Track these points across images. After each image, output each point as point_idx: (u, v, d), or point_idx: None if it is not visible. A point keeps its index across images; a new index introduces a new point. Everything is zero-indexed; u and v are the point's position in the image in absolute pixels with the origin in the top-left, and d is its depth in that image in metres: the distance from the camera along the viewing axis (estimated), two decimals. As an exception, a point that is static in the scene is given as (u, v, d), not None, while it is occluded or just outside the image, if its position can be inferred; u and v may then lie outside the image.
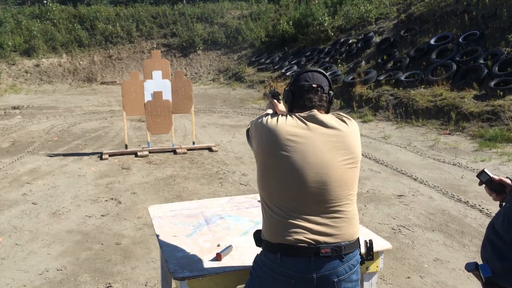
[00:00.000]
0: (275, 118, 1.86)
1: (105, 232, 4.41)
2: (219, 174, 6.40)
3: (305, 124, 1.84)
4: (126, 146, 7.68)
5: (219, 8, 22.45)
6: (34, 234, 4.37)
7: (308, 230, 1.75)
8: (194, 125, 8.17)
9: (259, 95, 14.74)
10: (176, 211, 2.76)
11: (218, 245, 2.25)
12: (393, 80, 11.33)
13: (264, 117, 1.90)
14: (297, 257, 1.74)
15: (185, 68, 20.08)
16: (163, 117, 7.65)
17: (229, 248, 2.16)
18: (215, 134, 9.23)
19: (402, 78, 11.18)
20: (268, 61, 18.04)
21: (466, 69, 10.14)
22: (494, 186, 1.75)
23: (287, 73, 15.44)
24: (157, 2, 25.96)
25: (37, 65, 19.37)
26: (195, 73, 19.91)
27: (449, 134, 8.53)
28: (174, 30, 21.59)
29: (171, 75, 7.80)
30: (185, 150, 7.71)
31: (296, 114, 1.88)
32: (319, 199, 1.77)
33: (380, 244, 2.30)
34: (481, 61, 9.99)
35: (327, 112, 1.95)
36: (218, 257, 2.07)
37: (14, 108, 12.73)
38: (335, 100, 12.19)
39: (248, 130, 2.03)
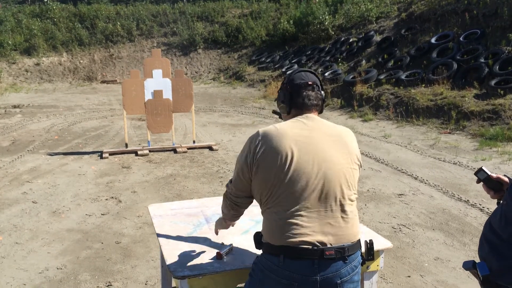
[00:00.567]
0: (272, 126, 1.86)
1: (105, 231, 4.41)
2: (219, 173, 6.40)
3: (306, 125, 1.86)
4: (126, 145, 7.68)
5: (220, 7, 22.42)
6: (34, 232, 4.37)
7: (312, 231, 1.73)
8: (194, 124, 8.16)
9: (259, 94, 14.73)
10: (176, 210, 2.75)
11: (222, 244, 2.25)
12: (394, 79, 11.32)
13: (260, 130, 1.88)
14: (301, 259, 1.71)
15: (186, 67, 20.07)
16: (163, 116, 7.64)
17: (229, 246, 2.16)
18: (215, 133, 9.23)
19: (403, 77, 11.16)
20: (268, 60, 18.02)
21: (466, 68, 10.13)
22: (492, 184, 1.75)
23: (288, 72, 15.40)
24: (157, 0, 25.92)
25: (38, 64, 19.36)
26: (196, 72, 19.90)
27: (449, 133, 8.52)
28: (175, 29, 21.57)
29: (172, 74, 7.79)
30: (185, 149, 7.71)
31: (295, 118, 1.91)
32: (322, 198, 1.76)
33: (380, 243, 2.30)
34: (482, 60, 9.97)
35: (320, 112, 1.99)
36: (218, 256, 2.07)
37: (15, 107, 12.73)
38: (335, 99, 12.19)
39: (227, 186, 2.03)
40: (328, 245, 1.73)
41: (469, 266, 1.62)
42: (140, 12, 22.10)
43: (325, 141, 1.83)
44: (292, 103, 1.95)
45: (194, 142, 7.99)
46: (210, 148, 7.85)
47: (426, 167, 6.48)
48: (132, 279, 3.49)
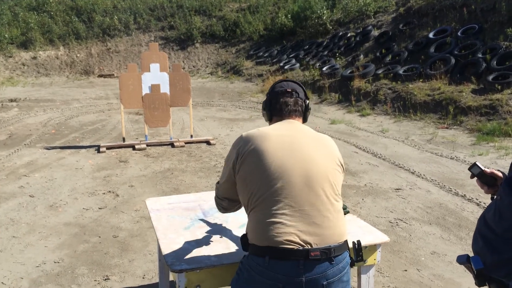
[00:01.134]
0: (255, 129, 1.92)
1: (103, 225, 4.41)
2: (217, 167, 6.40)
3: (288, 129, 1.91)
4: (123, 139, 7.66)
5: (217, 1, 22.32)
6: (31, 226, 4.36)
7: (297, 230, 1.71)
8: (192, 119, 8.15)
9: (257, 88, 14.71)
10: (173, 204, 2.75)
11: (221, 237, 2.26)
12: (392, 74, 11.32)
13: (242, 134, 1.93)
14: (286, 260, 1.70)
15: (183, 61, 20.01)
16: (160, 110, 7.63)
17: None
18: (213, 128, 9.22)
19: (401, 72, 11.16)
20: (266, 54, 17.99)
21: (464, 63, 10.13)
22: (486, 179, 1.75)
23: (286, 67, 15.40)
24: (155, -6, 25.76)
25: (34, 58, 19.27)
26: (193, 66, 19.85)
27: (447, 128, 8.54)
28: (172, 23, 21.48)
29: (169, 68, 7.77)
30: (182, 144, 7.70)
31: (277, 123, 1.97)
32: (306, 198, 1.75)
33: (377, 237, 2.31)
34: (480, 55, 9.98)
35: (304, 119, 2.04)
36: None
37: (11, 100, 12.67)
38: (333, 94, 12.18)
39: (216, 187, 2.09)
40: (314, 245, 1.72)
41: (463, 260, 1.63)
42: (138, 6, 21.99)
43: (308, 143, 1.86)
44: (272, 109, 2.02)
45: (191, 136, 7.98)
46: (207, 142, 7.84)
47: (423, 162, 6.49)
48: (129, 273, 3.50)
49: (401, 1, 15.51)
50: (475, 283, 1.61)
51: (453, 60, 10.34)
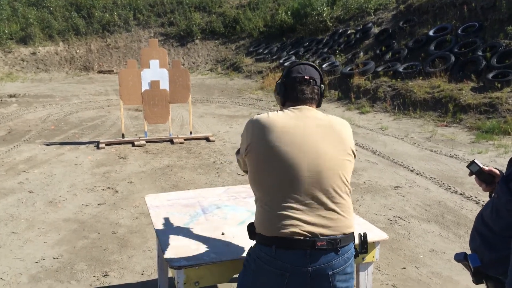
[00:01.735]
0: (265, 114, 1.87)
1: (102, 221, 4.41)
2: (216, 164, 6.40)
3: (298, 117, 1.86)
4: (123, 136, 7.66)
5: (217, -3, 22.29)
6: (30, 222, 4.36)
7: (303, 222, 1.73)
8: (191, 115, 8.14)
9: (256, 85, 14.70)
10: (173, 201, 2.75)
11: (223, 234, 2.26)
12: (391, 72, 11.31)
13: (254, 116, 1.90)
14: (293, 249, 1.72)
15: (183, 58, 19.97)
16: (160, 106, 7.62)
17: None
18: (212, 124, 9.21)
19: (400, 69, 11.15)
20: (266, 51, 17.96)
21: (464, 61, 10.12)
22: (484, 177, 1.76)
23: (285, 64, 15.38)
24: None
25: (34, 53, 19.23)
26: (193, 63, 19.82)
27: (446, 126, 8.54)
28: (172, 19, 21.42)
29: (169, 64, 7.76)
30: (182, 140, 7.70)
31: (288, 108, 1.90)
32: (313, 191, 1.76)
33: (376, 235, 2.31)
34: (480, 53, 9.97)
35: (318, 105, 1.99)
36: None
37: (11, 96, 12.65)
38: (333, 91, 12.17)
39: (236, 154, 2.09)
40: (320, 236, 1.73)
41: (460, 258, 1.64)
42: (137, 2, 21.92)
43: (317, 133, 1.83)
44: (287, 96, 1.96)
45: (191, 133, 7.98)
46: (207, 139, 7.84)
47: (423, 160, 6.49)
48: (128, 269, 3.50)
49: (402, -2, 15.49)
50: (473, 280, 1.62)
51: (453, 58, 10.33)
